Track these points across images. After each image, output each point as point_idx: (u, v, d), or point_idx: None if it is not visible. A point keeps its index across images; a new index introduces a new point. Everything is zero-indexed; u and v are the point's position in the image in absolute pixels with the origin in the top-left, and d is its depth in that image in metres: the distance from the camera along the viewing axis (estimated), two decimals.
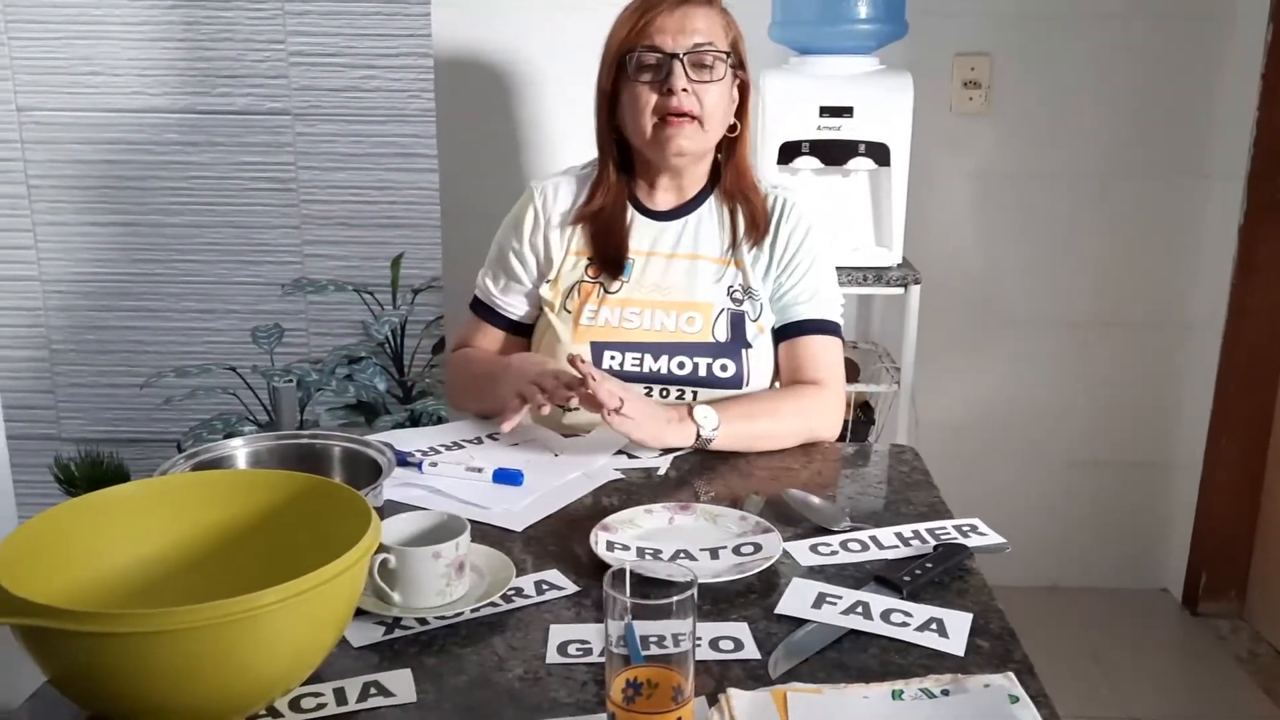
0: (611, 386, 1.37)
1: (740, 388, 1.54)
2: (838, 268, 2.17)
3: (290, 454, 1.28)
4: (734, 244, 1.58)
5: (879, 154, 2.16)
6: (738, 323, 1.55)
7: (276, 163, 2.31)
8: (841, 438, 2.29)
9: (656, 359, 1.54)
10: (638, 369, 1.53)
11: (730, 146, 1.58)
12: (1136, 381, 2.68)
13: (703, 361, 1.54)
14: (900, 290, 2.21)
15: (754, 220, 1.57)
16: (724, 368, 1.54)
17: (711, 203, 1.60)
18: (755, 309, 1.57)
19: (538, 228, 1.60)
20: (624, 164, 1.59)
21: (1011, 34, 2.47)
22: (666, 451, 1.47)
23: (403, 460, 1.40)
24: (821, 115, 2.14)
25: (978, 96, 2.48)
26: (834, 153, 2.17)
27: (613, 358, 1.53)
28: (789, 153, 2.16)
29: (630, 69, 1.50)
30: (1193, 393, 2.66)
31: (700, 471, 1.43)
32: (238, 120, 2.29)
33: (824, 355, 1.57)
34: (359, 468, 1.26)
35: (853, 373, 2.41)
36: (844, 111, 2.14)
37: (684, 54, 1.47)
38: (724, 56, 1.50)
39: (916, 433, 2.49)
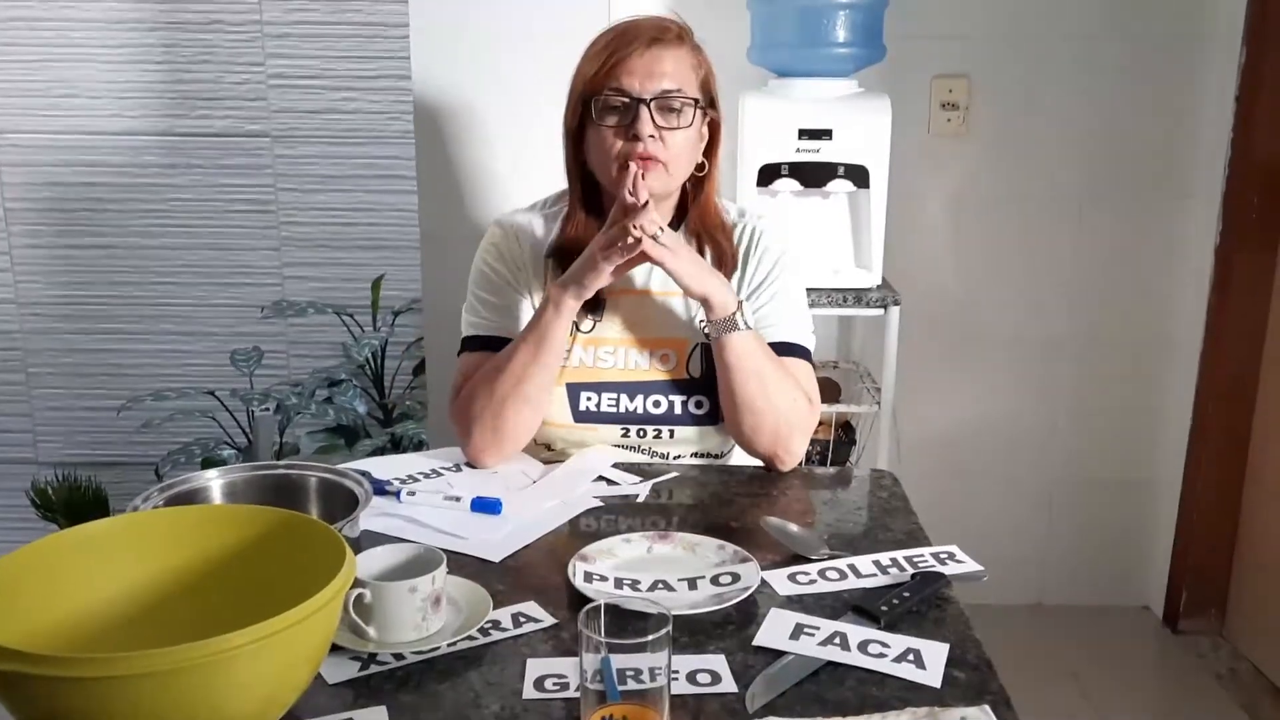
0: (656, 216, 1.38)
1: (715, 423, 1.53)
2: (818, 289, 2.20)
3: (266, 485, 1.27)
4: None
5: (858, 176, 2.17)
6: (711, 357, 1.50)
7: (256, 185, 2.31)
8: (823, 458, 2.32)
9: (633, 399, 1.52)
10: (614, 409, 1.52)
11: (698, 185, 1.53)
12: (1116, 400, 2.69)
13: (678, 399, 1.52)
14: (880, 311, 2.22)
15: (721, 261, 1.53)
16: (699, 404, 1.52)
17: (680, 238, 1.57)
18: None
19: (515, 258, 1.55)
20: (592, 199, 1.53)
21: (989, 56, 2.48)
22: (647, 478, 1.46)
23: (380, 489, 1.39)
24: (800, 138, 2.15)
25: (955, 118, 2.50)
26: (813, 175, 2.17)
27: (589, 399, 1.51)
28: (768, 175, 2.17)
29: (595, 111, 1.44)
30: (1172, 411, 2.67)
31: (679, 498, 1.43)
32: (217, 143, 2.28)
33: (797, 372, 1.53)
34: (336, 498, 1.26)
35: (834, 393, 2.41)
36: (823, 134, 2.14)
37: (651, 99, 1.42)
38: (692, 102, 1.45)
39: (898, 452, 2.49)
